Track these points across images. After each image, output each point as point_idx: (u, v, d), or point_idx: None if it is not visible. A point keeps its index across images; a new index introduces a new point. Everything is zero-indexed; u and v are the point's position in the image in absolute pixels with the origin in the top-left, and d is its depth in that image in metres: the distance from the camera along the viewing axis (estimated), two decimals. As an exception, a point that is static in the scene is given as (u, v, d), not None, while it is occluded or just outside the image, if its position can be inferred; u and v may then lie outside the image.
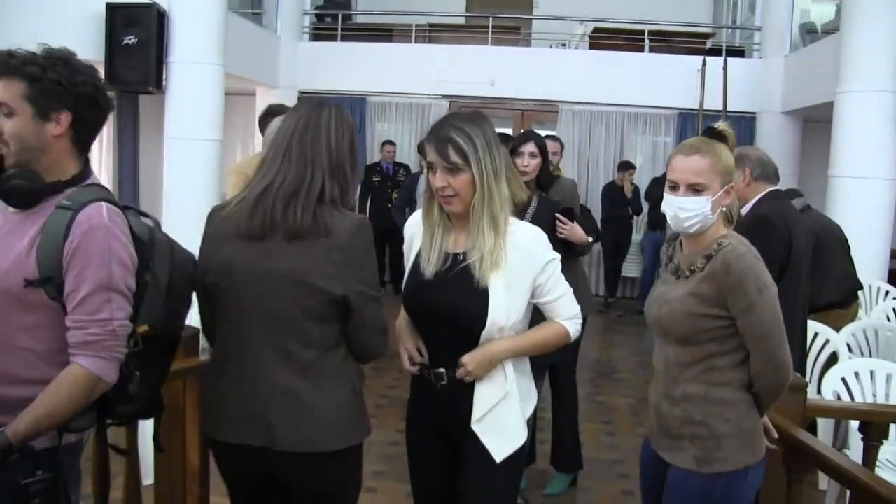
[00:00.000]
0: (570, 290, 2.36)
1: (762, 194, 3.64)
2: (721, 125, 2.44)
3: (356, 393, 2.14)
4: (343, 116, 2.14)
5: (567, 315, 2.35)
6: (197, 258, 2.17)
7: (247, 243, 2.04)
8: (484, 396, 2.26)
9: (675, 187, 2.33)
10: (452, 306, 2.23)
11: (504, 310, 2.20)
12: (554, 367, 4.07)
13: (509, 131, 10.84)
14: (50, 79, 1.90)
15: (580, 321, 2.39)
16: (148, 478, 4.08)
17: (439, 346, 2.30)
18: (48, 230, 1.89)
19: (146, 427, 3.99)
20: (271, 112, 4.17)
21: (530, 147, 3.92)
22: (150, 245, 2.04)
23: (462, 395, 2.27)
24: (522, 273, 2.23)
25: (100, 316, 1.87)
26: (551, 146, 4.38)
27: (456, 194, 2.20)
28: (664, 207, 2.38)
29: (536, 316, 2.38)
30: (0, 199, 1.94)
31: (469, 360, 2.21)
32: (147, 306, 2.01)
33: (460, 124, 2.20)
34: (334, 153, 2.08)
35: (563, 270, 2.37)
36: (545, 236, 2.31)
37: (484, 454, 2.26)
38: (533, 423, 2.95)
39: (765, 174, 3.65)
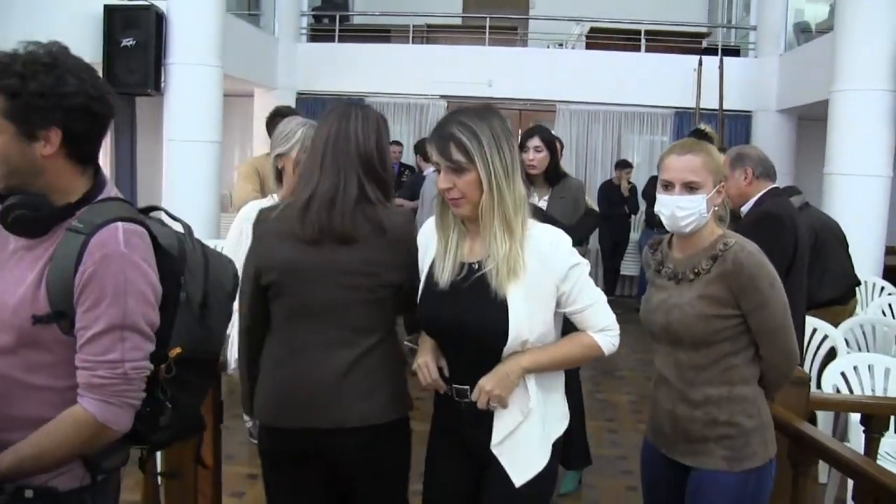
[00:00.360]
0: (603, 298, 2.17)
1: (763, 192, 3.68)
2: (705, 127, 2.49)
3: (404, 367, 2.30)
4: (368, 117, 2.24)
5: (598, 326, 2.15)
6: (248, 261, 2.27)
7: (306, 245, 2.16)
8: (504, 417, 2.11)
9: (669, 186, 2.33)
10: (469, 321, 2.07)
11: (526, 322, 2.04)
12: None
13: (507, 131, 10.88)
14: (31, 91, 1.61)
15: (615, 332, 2.18)
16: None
17: (461, 362, 2.15)
18: (58, 258, 1.64)
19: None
20: (279, 113, 4.29)
21: (535, 142, 4.03)
22: (181, 258, 1.81)
23: (485, 414, 2.12)
24: (543, 281, 2.06)
25: (110, 357, 1.63)
26: None
27: (462, 196, 2.05)
28: (658, 208, 2.36)
29: (569, 326, 2.24)
30: (6, 230, 1.68)
31: (486, 381, 2.05)
32: (180, 327, 1.80)
33: (465, 119, 2.06)
34: (363, 157, 2.20)
35: None
36: (568, 240, 2.12)
37: (504, 478, 2.11)
38: None
39: (765, 172, 3.70)
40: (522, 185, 2.09)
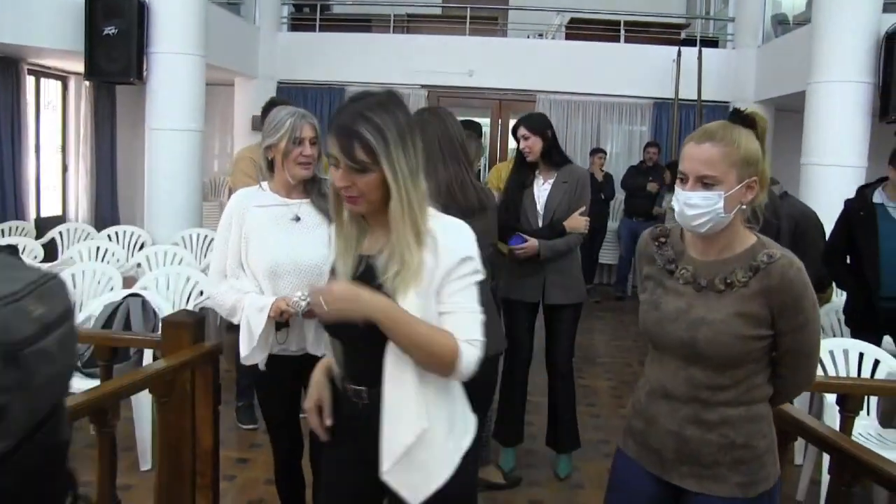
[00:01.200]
0: (481, 317, 1.91)
1: None
2: (750, 109, 2.12)
3: None
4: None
5: (466, 335, 1.86)
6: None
7: None
8: (392, 438, 1.88)
9: (683, 179, 2.02)
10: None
11: (417, 314, 1.83)
12: (551, 354, 4.32)
13: (487, 121, 10.96)
14: None
15: (477, 353, 1.87)
16: (145, 464, 4.16)
17: (358, 360, 1.99)
18: None
19: (143, 414, 4.07)
20: (273, 103, 4.46)
21: (521, 131, 4.24)
22: None
23: (377, 423, 1.90)
24: (435, 272, 1.87)
25: None
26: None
27: (361, 195, 1.86)
28: (672, 202, 2.09)
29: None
30: None
31: (334, 287, 1.85)
32: None
33: (370, 114, 1.84)
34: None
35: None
36: (471, 236, 1.94)
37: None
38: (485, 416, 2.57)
39: None
40: (424, 182, 1.91)
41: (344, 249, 1.99)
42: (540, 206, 4.24)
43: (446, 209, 2.02)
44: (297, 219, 2.91)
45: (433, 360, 1.84)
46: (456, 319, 1.87)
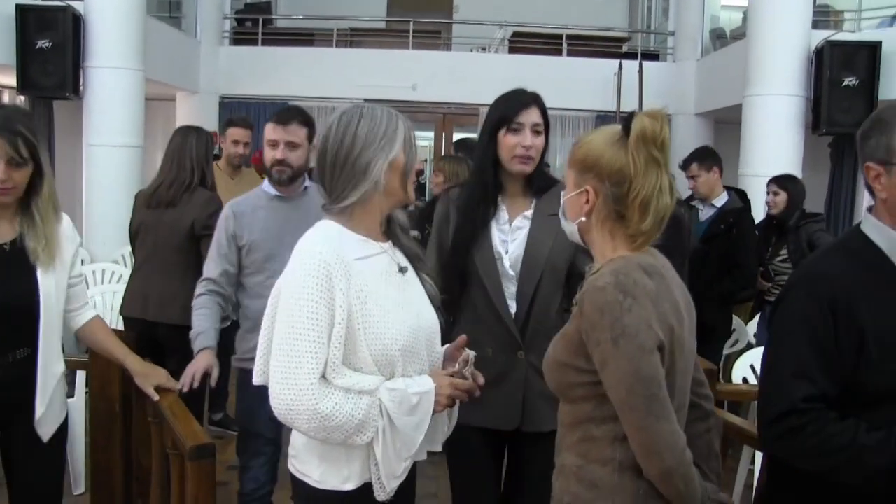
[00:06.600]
0: None
1: None
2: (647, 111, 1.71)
3: None
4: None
5: None
6: None
7: None
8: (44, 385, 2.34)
9: None
10: None
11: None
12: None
13: (431, 134, 10.95)
14: None
15: None
16: (77, 487, 4.05)
17: None
18: None
19: (75, 435, 3.97)
20: (231, 122, 4.70)
21: (534, 116, 2.52)
22: None
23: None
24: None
25: None
26: None
27: (15, 186, 2.33)
28: None
29: None
30: None
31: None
32: None
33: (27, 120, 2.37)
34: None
35: None
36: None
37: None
38: None
39: None
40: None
41: None
42: (507, 259, 2.51)
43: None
44: (405, 269, 2.04)
45: None
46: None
